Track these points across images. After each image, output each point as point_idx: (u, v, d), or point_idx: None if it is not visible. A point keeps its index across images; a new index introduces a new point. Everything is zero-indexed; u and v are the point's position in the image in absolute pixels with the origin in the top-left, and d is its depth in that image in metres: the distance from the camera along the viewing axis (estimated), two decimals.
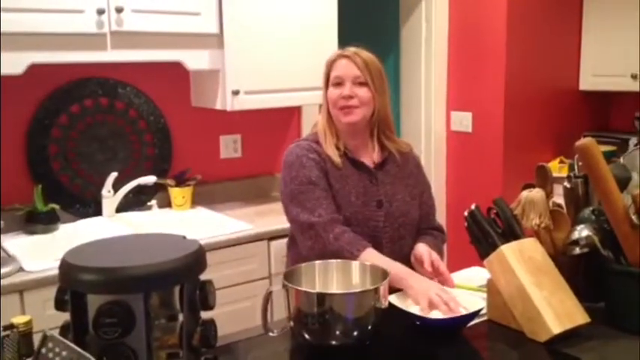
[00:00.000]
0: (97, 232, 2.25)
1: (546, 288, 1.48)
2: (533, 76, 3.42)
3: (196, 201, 2.90)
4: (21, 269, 2.09)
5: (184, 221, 2.73)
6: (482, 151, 3.44)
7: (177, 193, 2.83)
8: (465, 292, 1.68)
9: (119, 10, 2.32)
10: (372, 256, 1.71)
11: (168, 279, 1.15)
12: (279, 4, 2.71)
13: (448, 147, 3.62)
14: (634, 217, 1.48)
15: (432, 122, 3.58)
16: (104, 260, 1.15)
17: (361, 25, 3.87)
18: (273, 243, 2.57)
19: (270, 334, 1.43)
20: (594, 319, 1.48)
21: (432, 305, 1.53)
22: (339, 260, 1.59)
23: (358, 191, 1.84)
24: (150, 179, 2.70)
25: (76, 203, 2.67)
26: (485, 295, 1.60)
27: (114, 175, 2.64)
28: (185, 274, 1.17)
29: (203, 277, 1.22)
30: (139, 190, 2.76)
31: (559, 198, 1.73)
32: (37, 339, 1.09)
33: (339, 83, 1.83)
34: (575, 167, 1.73)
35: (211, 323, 1.23)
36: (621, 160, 1.72)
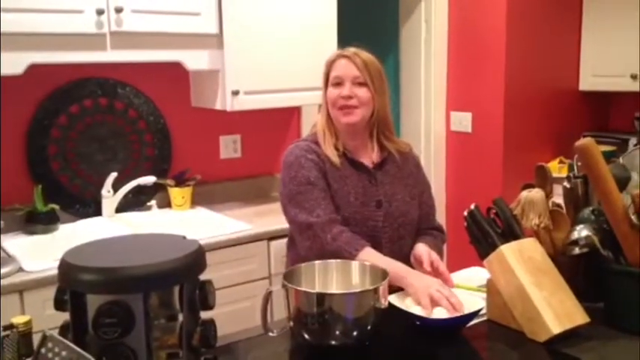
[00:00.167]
0: (96, 233, 2.25)
1: (546, 288, 1.48)
2: (532, 77, 3.42)
3: (196, 201, 2.90)
4: (21, 269, 2.09)
5: (184, 221, 2.73)
6: (481, 151, 3.44)
7: (177, 194, 2.83)
8: (465, 292, 1.68)
9: (118, 11, 2.32)
10: (370, 255, 1.71)
11: (168, 279, 1.15)
12: (278, 4, 2.71)
13: (448, 147, 3.62)
14: (633, 217, 1.48)
15: (431, 122, 3.58)
16: (104, 260, 1.15)
17: (361, 25, 3.87)
18: (273, 243, 2.57)
19: (270, 334, 1.43)
20: (594, 319, 1.48)
21: (433, 302, 1.53)
22: (338, 260, 1.59)
23: (357, 191, 1.84)
24: (149, 179, 2.70)
25: (75, 203, 2.67)
26: (484, 295, 1.60)
27: (113, 175, 2.64)
28: (185, 274, 1.17)
29: (203, 277, 1.22)
30: (139, 190, 2.76)
31: (559, 198, 1.73)
32: (36, 339, 1.09)
33: (338, 83, 1.83)
34: (575, 167, 1.73)
35: (211, 323, 1.23)
36: (621, 160, 1.72)
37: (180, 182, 2.84)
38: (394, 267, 1.65)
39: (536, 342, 1.44)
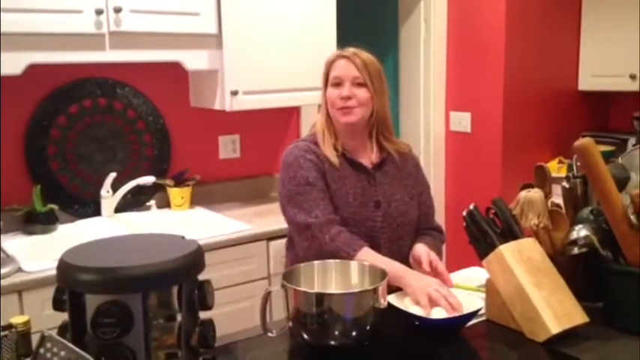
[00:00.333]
0: (95, 233, 2.25)
1: (545, 288, 1.48)
2: (532, 77, 3.43)
3: (195, 201, 2.90)
4: (20, 269, 2.09)
5: (183, 221, 2.73)
6: (481, 152, 3.44)
7: (176, 194, 2.83)
8: (464, 292, 1.68)
9: (117, 11, 2.32)
10: (368, 255, 1.71)
11: (167, 279, 1.15)
12: (277, 4, 2.71)
13: (447, 147, 3.62)
14: (632, 217, 1.48)
15: (430, 122, 3.58)
16: (102, 260, 1.15)
17: (360, 25, 3.87)
18: (272, 243, 2.57)
19: (269, 334, 1.43)
20: (593, 319, 1.48)
21: (432, 302, 1.53)
22: (337, 260, 1.59)
23: (356, 192, 1.84)
24: (149, 179, 2.70)
25: (74, 203, 2.67)
26: (484, 295, 1.60)
27: (113, 175, 2.64)
28: (183, 274, 1.17)
29: (202, 277, 1.22)
30: (138, 190, 2.76)
31: (558, 198, 1.73)
32: (35, 339, 1.09)
33: (338, 84, 1.83)
34: (574, 167, 1.73)
35: (210, 323, 1.23)
36: (620, 160, 1.72)
37: (179, 182, 2.84)
38: (392, 267, 1.65)
39: (536, 342, 1.44)
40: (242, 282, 2.51)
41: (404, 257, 1.83)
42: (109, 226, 2.54)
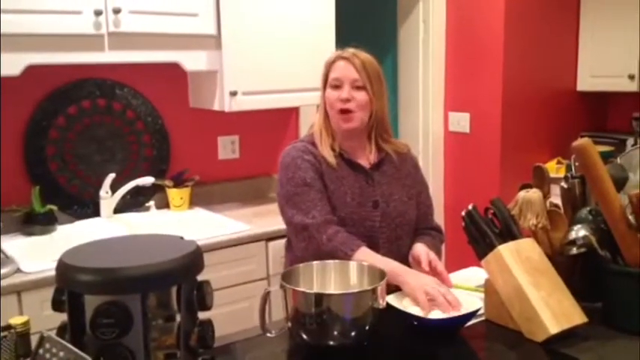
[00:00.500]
0: (94, 233, 2.24)
1: (544, 288, 1.48)
2: (530, 77, 3.43)
3: (194, 202, 2.90)
4: (19, 270, 2.08)
5: (182, 222, 2.73)
6: (479, 152, 3.44)
7: (175, 194, 2.83)
8: (463, 292, 1.68)
9: (116, 11, 2.32)
10: (366, 254, 1.71)
11: (166, 279, 1.15)
12: (276, 5, 2.71)
13: (446, 147, 3.62)
14: (631, 218, 1.48)
15: (429, 123, 3.59)
16: (101, 261, 1.15)
17: (359, 26, 3.87)
18: (271, 244, 2.57)
19: (268, 334, 1.43)
20: (592, 319, 1.48)
21: (430, 298, 1.53)
22: (336, 261, 1.59)
23: (354, 192, 1.84)
24: (148, 180, 2.70)
25: (73, 204, 2.67)
26: (482, 295, 1.60)
27: (112, 176, 2.64)
28: (182, 275, 1.17)
29: (201, 277, 1.22)
30: (137, 191, 2.76)
31: (556, 198, 1.73)
32: (34, 340, 1.09)
33: (337, 86, 1.83)
34: (573, 167, 1.73)
35: (209, 324, 1.23)
36: (618, 160, 1.73)
37: (178, 183, 2.84)
38: (390, 265, 1.66)
39: (534, 342, 1.44)
40: (241, 282, 2.51)
41: (403, 257, 1.84)
42: (108, 226, 2.54)
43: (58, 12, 2.23)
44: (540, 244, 1.60)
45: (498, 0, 3.25)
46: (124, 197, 2.70)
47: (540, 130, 3.52)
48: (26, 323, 1.22)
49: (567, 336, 1.44)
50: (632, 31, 3.26)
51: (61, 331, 1.15)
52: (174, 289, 1.17)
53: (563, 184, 1.72)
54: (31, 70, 2.23)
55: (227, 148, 3.10)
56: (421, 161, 3.49)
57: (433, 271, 1.74)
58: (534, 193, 1.63)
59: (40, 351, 1.04)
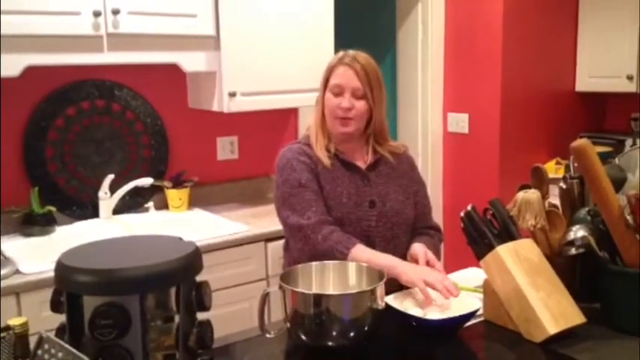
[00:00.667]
0: (93, 234, 2.24)
1: (542, 288, 1.48)
2: (529, 78, 3.43)
3: (193, 203, 2.90)
4: (17, 271, 2.08)
5: (181, 223, 2.73)
6: (478, 152, 3.44)
7: (174, 195, 2.83)
8: (462, 292, 1.68)
9: (115, 12, 2.32)
10: (362, 251, 1.72)
11: (165, 280, 1.15)
12: (275, 5, 2.71)
13: (445, 148, 3.63)
14: (629, 218, 1.48)
15: (428, 123, 3.59)
16: (100, 262, 1.15)
17: (358, 27, 3.87)
18: (270, 244, 2.57)
19: (267, 335, 1.43)
20: (590, 320, 1.49)
21: (429, 285, 1.55)
22: (335, 261, 1.59)
23: (350, 192, 1.85)
24: (147, 181, 2.70)
25: (72, 205, 2.67)
26: (481, 295, 1.60)
27: (111, 177, 2.64)
28: (181, 276, 1.17)
29: (200, 278, 1.22)
30: (136, 192, 2.76)
31: (555, 199, 1.73)
32: (33, 341, 1.09)
33: (338, 93, 1.83)
34: (571, 168, 1.73)
35: (207, 324, 1.22)
36: (617, 160, 1.73)
37: (177, 184, 2.84)
38: (386, 259, 1.68)
39: (533, 342, 1.44)
40: (240, 283, 2.51)
41: (400, 257, 1.83)
42: (106, 227, 2.53)
43: (57, 13, 2.22)
44: (539, 245, 1.61)
45: (497, 1, 3.26)
46: (122, 198, 2.70)
47: (539, 130, 3.52)
48: (25, 324, 1.21)
49: (566, 336, 1.44)
50: (630, 31, 3.26)
51: (60, 332, 1.14)
52: (173, 290, 1.17)
53: (561, 184, 1.72)
54: (30, 71, 2.23)
55: (226, 148, 3.10)
56: (420, 162, 3.51)
57: None
58: (533, 194, 1.63)
59: (39, 352, 1.04)
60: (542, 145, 3.54)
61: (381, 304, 1.41)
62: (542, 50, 3.47)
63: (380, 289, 1.40)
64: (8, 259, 2.18)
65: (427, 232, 1.96)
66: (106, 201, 2.65)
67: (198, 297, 1.20)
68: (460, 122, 3.51)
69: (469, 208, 1.62)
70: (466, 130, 3.49)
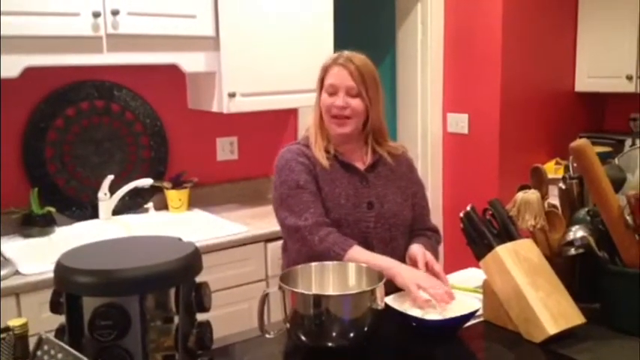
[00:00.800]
0: (93, 235, 2.24)
1: (542, 289, 1.48)
2: (529, 78, 3.43)
3: (193, 203, 2.90)
4: (17, 272, 2.08)
5: (181, 223, 2.73)
6: (478, 153, 3.44)
7: (174, 196, 2.83)
8: (461, 293, 1.68)
9: (115, 13, 2.32)
10: (358, 252, 1.72)
11: (164, 281, 1.15)
12: (275, 6, 2.71)
13: (444, 148, 3.63)
14: (629, 218, 1.48)
15: (428, 124, 3.59)
16: (99, 262, 1.15)
17: (357, 27, 3.87)
18: (270, 245, 2.57)
19: (267, 335, 1.43)
20: (590, 320, 1.49)
21: (422, 289, 1.55)
22: (335, 262, 1.59)
23: (348, 193, 1.85)
24: (146, 182, 2.70)
25: (72, 206, 2.67)
26: (481, 296, 1.60)
27: (110, 177, 2.64)
28: (181, 276, 1.17)
29: (199, 279, 1.22)
30: (136, 192, 2.76)
31: (554, 199, 1.74)
32: (32, 342, 1.09)
33: (332, 92, 1.84)
34: (571, 168, 1.73)
35: (207, 325, 1.23)
36: (616, 161, 1.73)
37: (176, 184, 2.84)
38: (382, 260, 1.68)
39: (533, 343, 1.44)
40: (240, 284, 2.51)
41: (398, 258, 1.83)
42: (106, 228, 2.53)
43: (57, 14, 2.22)
44: (538, 245, 1.61)
45: (496, 1, 3.26)
46: (122, 199, 2.70)
47: (539, 131, 3.52)
48: (24, 325, 1.21)
49: (566, 337, 1.44)
50: (629, 31, 3.27)
51: (60, 333, 1.15)
52: (172, 291, 1.17)
53: (561, 184, 1.72)
54: (30, 72, 2.23)
55: (225, 149, 3.10)
56: (420, 162, 3.51)
57: (430, 272, 1.73)
58: (532, 194, 1.63)
59: (39, 353, 1.04)
60: (542, 146, 3.54)
61: (380, 305, 1.41)
62: (541, 50, 3.47)
63: (379, 289, 1.40)
64: (8, 259, 2.18)
65: (425, 234, 1.96)
66: (106, 202, 2.65)
67: (198, 298, 1.20)
68: (460, 122, 3.51)
69: (468, 208, 1.62)
70: (466, 131, 3.49)
